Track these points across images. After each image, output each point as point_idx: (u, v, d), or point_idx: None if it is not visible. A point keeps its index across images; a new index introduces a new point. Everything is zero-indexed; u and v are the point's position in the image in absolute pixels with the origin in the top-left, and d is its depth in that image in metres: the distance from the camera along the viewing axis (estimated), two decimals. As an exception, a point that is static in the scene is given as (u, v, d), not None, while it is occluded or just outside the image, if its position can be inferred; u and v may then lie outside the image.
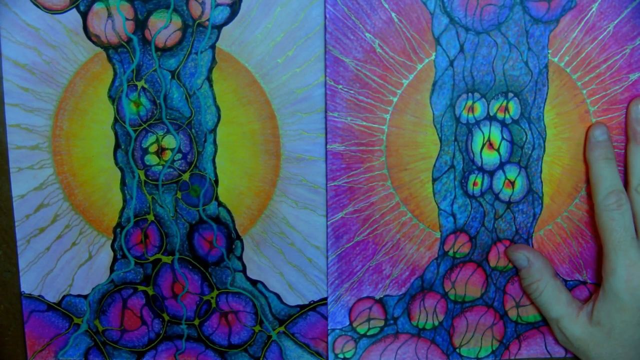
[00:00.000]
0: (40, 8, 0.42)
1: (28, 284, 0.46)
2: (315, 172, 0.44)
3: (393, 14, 0.42)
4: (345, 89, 0.43)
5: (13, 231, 0.45)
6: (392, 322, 0.47)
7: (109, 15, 0.42)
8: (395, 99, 0.43)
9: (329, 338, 0.47)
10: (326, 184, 0.44)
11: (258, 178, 0.44)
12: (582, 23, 0.43)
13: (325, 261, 0.46)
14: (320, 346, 0.47)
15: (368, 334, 0.47)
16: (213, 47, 0.43)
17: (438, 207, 0.45)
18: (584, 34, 0.43)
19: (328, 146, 0.44)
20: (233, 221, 0.45)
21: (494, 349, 0.47)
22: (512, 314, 0.47)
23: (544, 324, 0.47)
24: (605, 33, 0.43)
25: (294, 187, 0.45)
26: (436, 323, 0.47)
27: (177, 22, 0.42)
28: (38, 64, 0.43)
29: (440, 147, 0.44)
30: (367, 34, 0.42)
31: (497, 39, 0.43)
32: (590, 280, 0.46)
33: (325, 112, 0.43)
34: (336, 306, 0.46)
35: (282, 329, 0.47)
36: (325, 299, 0.46)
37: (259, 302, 0.46)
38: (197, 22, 0.42)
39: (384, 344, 0.47)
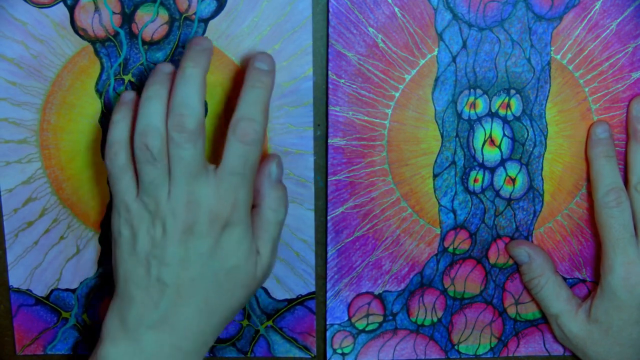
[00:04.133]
0: (27, 2, 0.42)
1: (16, 278, 0.46)
2: (303, 165, 0.44)
3: (396, 9, 0.42)
4: (348, 83, 0.43)
5: (2, 234, 0.45)
6: (390, 317, 0.47)
7: (96, 9, 0.42)
8: (397, 94, 0.43)
9: (327, 333, 0.47)
10: (326, 179, 0.44)
11: None
12: (585, 21, 0.43)
13: (313, 255, 0.45)
14: (308, 340, 0.47)
15: (367, 329, 0.47)
16: None
17: (438, 203, 0.45)
18: (586, 31, 0.43)
19: (329, 140, 0.44)
20: None
21: (492, 346, 0.47)
22: (511, 311, 0.47)
23: (542, 322, 0.47)
24: (608, 31, 0.43)
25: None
26: (435, 319, 0.47)
27: (164, 15, 0.42)
28: (26, 58, 0.43)
29: (442, 143, 0.44)
30: (369, 29, 0.42)
31: (500, 36, 0.43)
32: (589, 278, 0.46)
33: (327, 106, 0.43)
34: (335, 301, 0.46)
35: (269, 323, 0.47)
36: (313, 293, 0.46)
37: None
38: (184, 15, 0.42)
39: (382, 340, 0.47)
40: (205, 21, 0.42)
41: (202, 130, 0.38)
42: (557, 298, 0.44)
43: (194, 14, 0.42)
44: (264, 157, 0.42)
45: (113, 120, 0.39)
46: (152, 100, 0.38)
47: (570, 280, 0.46)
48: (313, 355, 0.47)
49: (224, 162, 0.38)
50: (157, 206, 0.38)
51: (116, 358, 0.38)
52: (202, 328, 0.39)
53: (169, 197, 0.38)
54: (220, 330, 0.40)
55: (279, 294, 0.46)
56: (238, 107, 0.38)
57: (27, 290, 0.46)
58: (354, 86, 0.43)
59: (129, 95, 0.40)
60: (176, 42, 0.43)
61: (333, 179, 0.44)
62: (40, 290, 0.46)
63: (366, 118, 0.44)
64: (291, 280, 0.46)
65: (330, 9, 0.42)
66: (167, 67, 0.40)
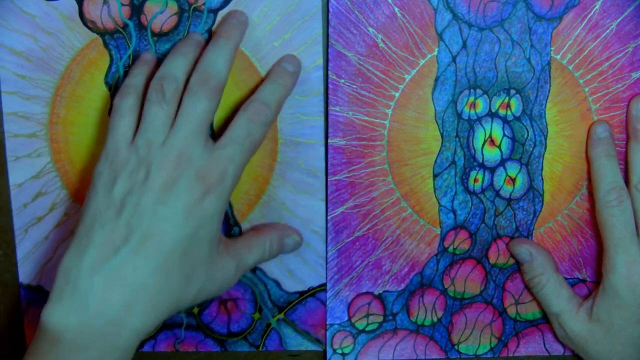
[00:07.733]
0: None
1: (26, 274, 0.46)
2: (313, 155, 0.44)
3: (396, 9, 0.42)
4: (348, 84, 0.43)
5: (12, 231, 0.45)
6: (390, 318, 0.47)
7: (105, 1, 0.42)
8: (397, 94, 0.44)
9: (328, 333, 0.47)
10: (326, 178, 0.44)
11: (255, 163, 0.44)
12: (585, 21, 0.43)
13: (324, 246, 0.46)
14: (320, 333, 0.47)
15: (367, 329, 0.47)
16: (209, 31, 0.43)
17: (439, 203, 0.45)
18: (586, 31, 0.43)
19: (329, 140, 0.44)
20: (231, 207, 0.45)
21: (492, 346, 0.47)
22: (511, 311, 0.47)
23: (542, 322, 0.47)
24: (608, 31, 0.43)
25: (292, 172, 0.44)
26: (435, 319, 0.47)
27: (173, 6, 0.42)
28: (34, 51, 0.43)
29: (442, 143, 0.44)
30: (370, 29, 0.42)
31: (500, 36, 0.43)
32: (589, 278, 0.46)
33: (327, 106, 0.43)
34: (335, 301, 0.46)
35: (281, 316, 0.47)
36: (325, 284, 0.46)
37: (258, 289, 0.46)
38: (193, 6, 0.42)
39: (382, 340, 0.47)
40: (215, 11, 0.42)
41: (220, 96, 0.39)
42: (559, 297, 0.44)
43: (203, 4, 0.42)
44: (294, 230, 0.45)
45: (132, 72, 0.41)
46: (178, 56, 0.40)
47: (571, 280, 0.46)
48: (325, 349, 0.47)
49: (227, 132, 0.39)
50: (148, 151, 0.37)
51: (61, 315, 0.36)
52: (155, 293, 0.36)
53: (163, 144, 0.37)
54: (166, 318, 0.38)
55: (290, 285, 0.46)
56: (256, 93, 0.41)
57: (38, 286, 0.46)
58: (354, 86, 0.43)
59: (150, 55, 0.42)
60: (185, 33, 0.43)
61: (333, 179, 0.44)
62: (51, 286, 0.46)
63: (366, 118, 0.44)
64: (302, 272, 0.46)
65: (330, 9, 0.42)
66: (199, 37, 0.42)
